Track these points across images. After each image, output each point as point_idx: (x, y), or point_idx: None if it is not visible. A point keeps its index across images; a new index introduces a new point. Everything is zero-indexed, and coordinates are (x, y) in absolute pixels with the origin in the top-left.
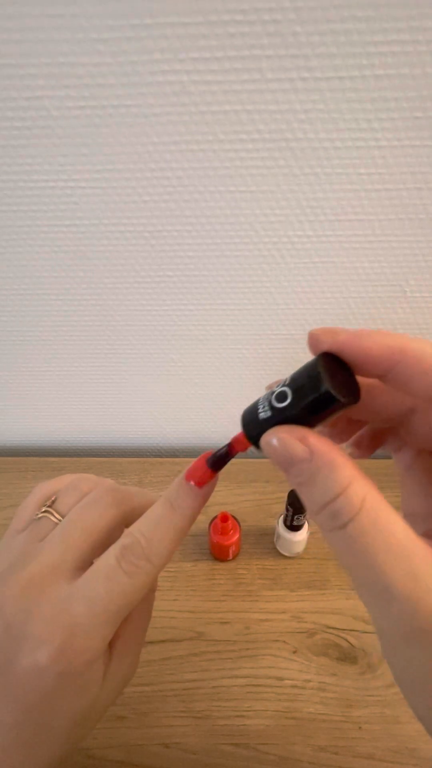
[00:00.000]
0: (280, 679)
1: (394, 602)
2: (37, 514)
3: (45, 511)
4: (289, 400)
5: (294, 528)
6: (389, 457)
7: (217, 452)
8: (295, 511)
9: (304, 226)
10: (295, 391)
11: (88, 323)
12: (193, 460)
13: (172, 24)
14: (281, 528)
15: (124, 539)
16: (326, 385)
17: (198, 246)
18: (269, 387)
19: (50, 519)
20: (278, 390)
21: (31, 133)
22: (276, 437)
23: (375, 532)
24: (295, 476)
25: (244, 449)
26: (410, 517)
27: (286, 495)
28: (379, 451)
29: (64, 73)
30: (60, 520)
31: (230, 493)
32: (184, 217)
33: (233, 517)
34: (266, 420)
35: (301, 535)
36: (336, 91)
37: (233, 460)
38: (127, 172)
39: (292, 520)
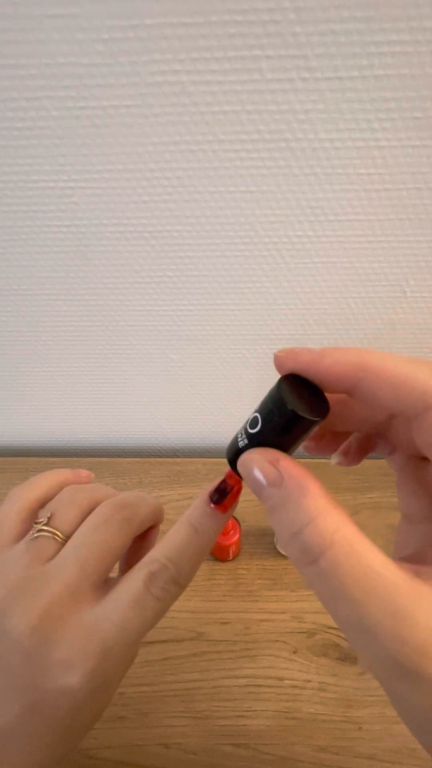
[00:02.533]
0: (281, 679)
1: (377, 641)
2: (34, 534)
3: (42, 530)
4: (259, 426)
5: None
6: None
7: (215, 489)
8: None
9: (304, 226)
10: (264, 416)
11: (88, 323)
12: (192, 461)
13: (172, 24)
14: None
15: (150, 565)
16: (290, 406)
17: (198, 246)
18: None
19: (51, 538)
20: (251, 417)
21: (31, 133)
22: (248, 459)
23: (350, 566)
24: (267, 499)
25: (238, 482)
26: (407, 518)
27: None
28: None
29: (64, 73)
30: (60, 538)
31: None
32: (184, 217)
33: (233, 517)
34: (243, 448)
35: None
36: (336, 91)
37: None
38: (127, 172)
39: None
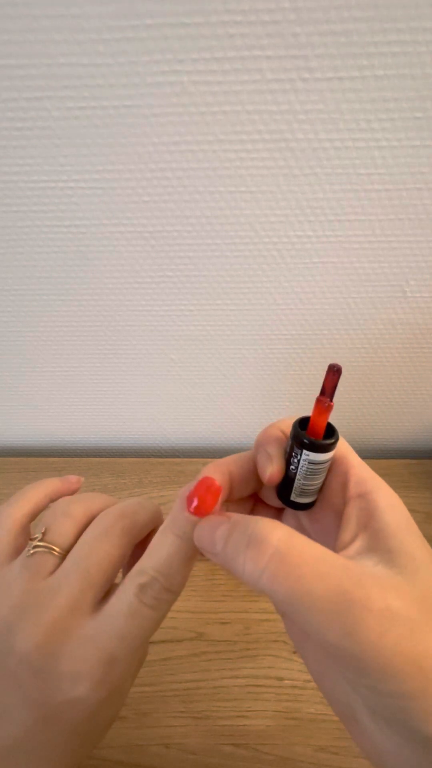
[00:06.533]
0: (281, 679)
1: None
2: (30, 550)
3: (38, 546)
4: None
5: None
6: (390, 458)
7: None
8: None
9: (304, 226)
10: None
11: (88, 323)
12: (192, 461)
13: (172, 24)
14: None
15: (139, 578)
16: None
17: (198, 246)
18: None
19: (48, 553)
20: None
21: (31, 133)
22: (200, 527)
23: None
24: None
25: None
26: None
27: None
28: (379, 448)
29: (64, 73)
30: (58, 552)
31: None
32: (184, 217)
33: None
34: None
35: None
36: (336, 91)
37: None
38: (127, 172)
39: None
